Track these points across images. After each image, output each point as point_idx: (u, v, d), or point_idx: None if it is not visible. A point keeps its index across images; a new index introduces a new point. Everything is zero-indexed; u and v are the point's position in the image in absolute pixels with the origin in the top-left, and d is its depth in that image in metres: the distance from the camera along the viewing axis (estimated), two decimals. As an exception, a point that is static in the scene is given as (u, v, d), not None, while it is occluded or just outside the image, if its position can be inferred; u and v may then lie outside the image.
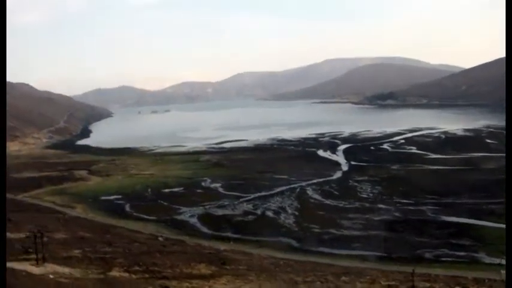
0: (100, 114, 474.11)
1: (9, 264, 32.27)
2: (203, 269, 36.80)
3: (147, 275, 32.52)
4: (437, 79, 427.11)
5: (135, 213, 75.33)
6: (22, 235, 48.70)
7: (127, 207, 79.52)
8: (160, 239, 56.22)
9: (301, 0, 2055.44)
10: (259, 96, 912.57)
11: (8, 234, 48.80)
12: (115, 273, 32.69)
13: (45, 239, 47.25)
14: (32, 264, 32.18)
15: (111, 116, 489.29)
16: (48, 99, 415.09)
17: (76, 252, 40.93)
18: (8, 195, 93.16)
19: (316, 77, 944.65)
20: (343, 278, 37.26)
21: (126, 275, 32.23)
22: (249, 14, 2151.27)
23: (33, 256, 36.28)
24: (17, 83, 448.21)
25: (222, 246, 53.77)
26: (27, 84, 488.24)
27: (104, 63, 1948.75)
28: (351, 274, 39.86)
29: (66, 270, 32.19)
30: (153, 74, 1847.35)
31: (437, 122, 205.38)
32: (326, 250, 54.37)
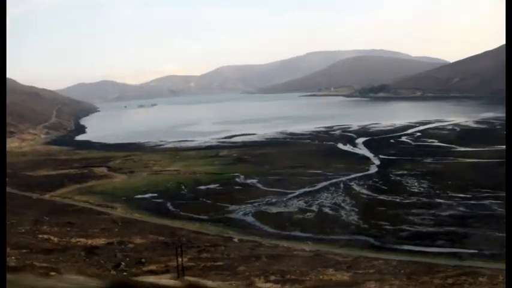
0: (87, 109, 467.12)
1: (152, 280, 29.21)
2: (338, 274, 34.04)
3: (298, 285, 29.63)
4: (427, 71, 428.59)
5: (182, 213, 71.80)
6: (102, 241, 45.45)
7: (170, 206, 75.93)
8: (235, 240, 53.19)
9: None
10: (242, 90, 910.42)
11: (84, 240, 45.59)
12: (262, 284, 29.70)
13: (130, 245, 44.35)
14: (173, 278, 28.93)
15: (98, 111, 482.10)
16: (35, 94, 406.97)
17: (180, 260, 37.66)
18: (34, 195, 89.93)
19: (299, 70, 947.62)
20: (466, 278, 34.73)
21: (278, 286, 29.28)
22: (229, 7, 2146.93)
23: (153, 267, 33.17)
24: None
25: (305, 247, 51.02)
26: (11, 79, 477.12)
27: (83, 57, 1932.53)
28: (468, 275, 37.25)
29: (210, 283, 29.04)
30: (134, 68, 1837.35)
31: (441, 114, 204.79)
32: (412, 248, 51.88)
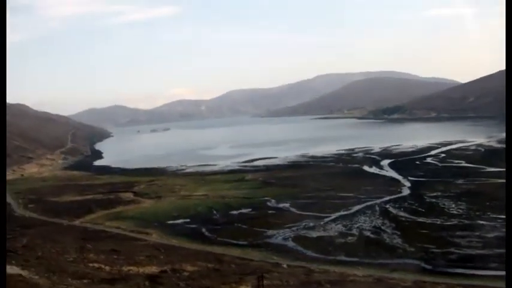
0: (100, 134, 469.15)
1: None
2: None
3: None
4: (441, 91, 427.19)
5: (219, 238, 70.62)
6: (154, 269, 44.40)
7: (205, 232, 74.83)
8: (284, 266, 52.04)
9: (287, 17, 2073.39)
10: (252, 113, 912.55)
11: (135, 268, 44.51)
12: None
13: (185, 273, 43.32)
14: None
15: (112, 136, 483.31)
16: (49, 119, 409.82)
17: None
18: (64, 221, 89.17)
19: (309, 93, 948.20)
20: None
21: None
22: (236, 30, 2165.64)
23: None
24: (14, 104, 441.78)
25: (356, 272, 49.78)
26: (24, 105, 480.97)
27: (93, 82, 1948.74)
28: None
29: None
30: (145, 93, 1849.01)
31: (461, 135, 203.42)
32: (466, 271, 50.47)
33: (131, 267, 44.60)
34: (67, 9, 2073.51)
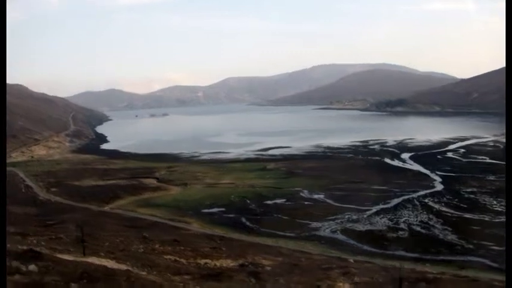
0: (99, 118, 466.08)
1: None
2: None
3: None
4: (443, 86, 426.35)
5: (262, 229, 69.19)
6: (230, 263, 42.95)
7: (246, 222, 73.42)
8: (351, 260, 50.76)
9: (286, 7, 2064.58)
10: (249, 101, 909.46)
11: (210, 261, 43.00)
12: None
13: (267, 268, 41.92)
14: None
15: (110, 119, 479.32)
16: (48, 100, 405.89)
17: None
18: (92, 206, 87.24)
19: (306, 83, 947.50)
20: None
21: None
22: (235, 17, 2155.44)
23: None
24: (13, 84, 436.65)
25: (427, 269, 48.57)
26: (22, 85, 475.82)
27: (90, 65, 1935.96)
28: None
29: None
30: (141, 77, 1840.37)
31: (472, 130, 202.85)
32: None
33: (206, 260, 43.09)
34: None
